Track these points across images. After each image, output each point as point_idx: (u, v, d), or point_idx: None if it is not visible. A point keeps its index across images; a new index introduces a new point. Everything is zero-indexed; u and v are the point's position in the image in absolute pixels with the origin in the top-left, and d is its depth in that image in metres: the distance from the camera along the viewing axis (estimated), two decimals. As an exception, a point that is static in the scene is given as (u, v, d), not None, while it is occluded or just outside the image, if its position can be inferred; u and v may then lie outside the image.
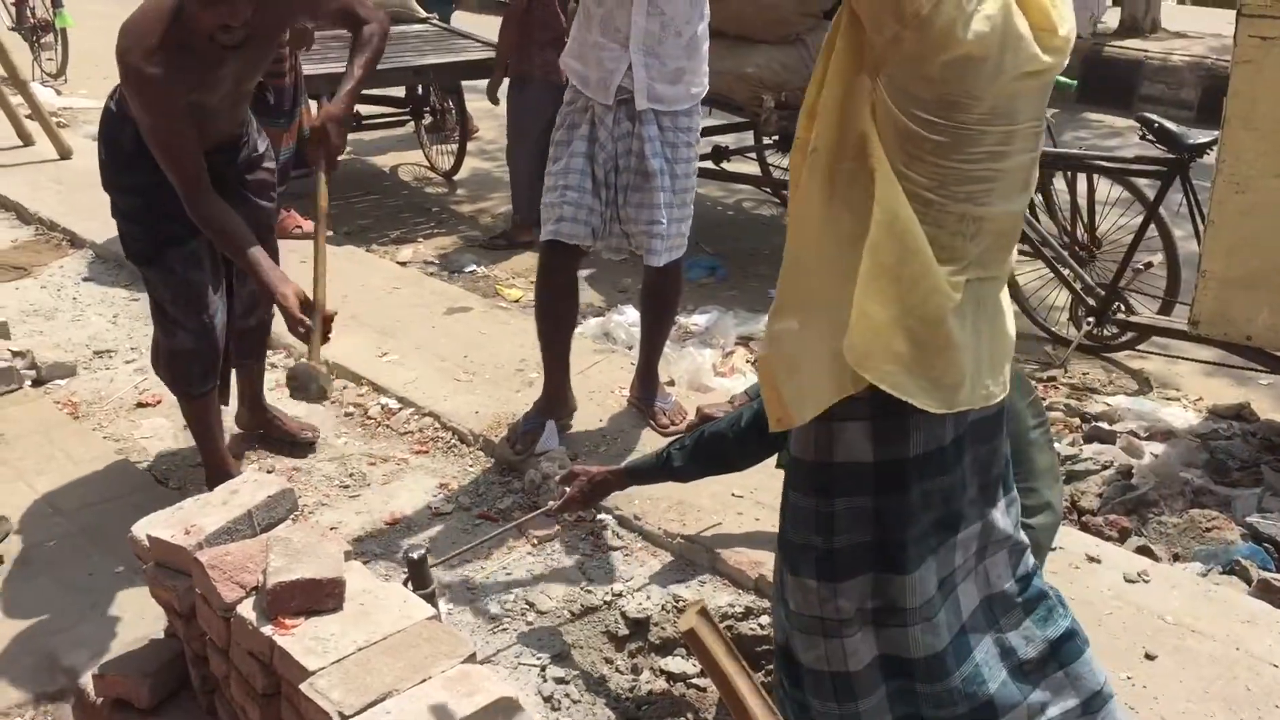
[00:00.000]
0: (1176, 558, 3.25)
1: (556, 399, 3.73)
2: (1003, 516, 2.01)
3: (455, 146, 6.99)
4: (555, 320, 3.66)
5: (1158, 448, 3.87)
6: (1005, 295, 1.94)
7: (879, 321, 1.73)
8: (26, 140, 7.19)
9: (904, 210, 1.70)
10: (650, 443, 3.64)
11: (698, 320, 4.84)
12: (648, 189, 3.44)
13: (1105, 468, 3.72)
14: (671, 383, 4.10)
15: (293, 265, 3.56)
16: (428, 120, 7.28)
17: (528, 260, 5.61)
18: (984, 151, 1.71)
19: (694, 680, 2.76)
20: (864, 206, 1.73)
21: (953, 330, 1.77)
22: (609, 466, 2.99)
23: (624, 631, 2.90)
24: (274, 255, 3.42)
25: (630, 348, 4.53)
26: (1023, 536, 2.07)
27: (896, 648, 1.95)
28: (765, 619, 2.89)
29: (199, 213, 2.98)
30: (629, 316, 4.77)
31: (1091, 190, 4.78)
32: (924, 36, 1.60)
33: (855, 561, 1.88)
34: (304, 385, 2.99)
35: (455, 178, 7.08)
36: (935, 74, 1.64)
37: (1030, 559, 2.09)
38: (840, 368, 1.78)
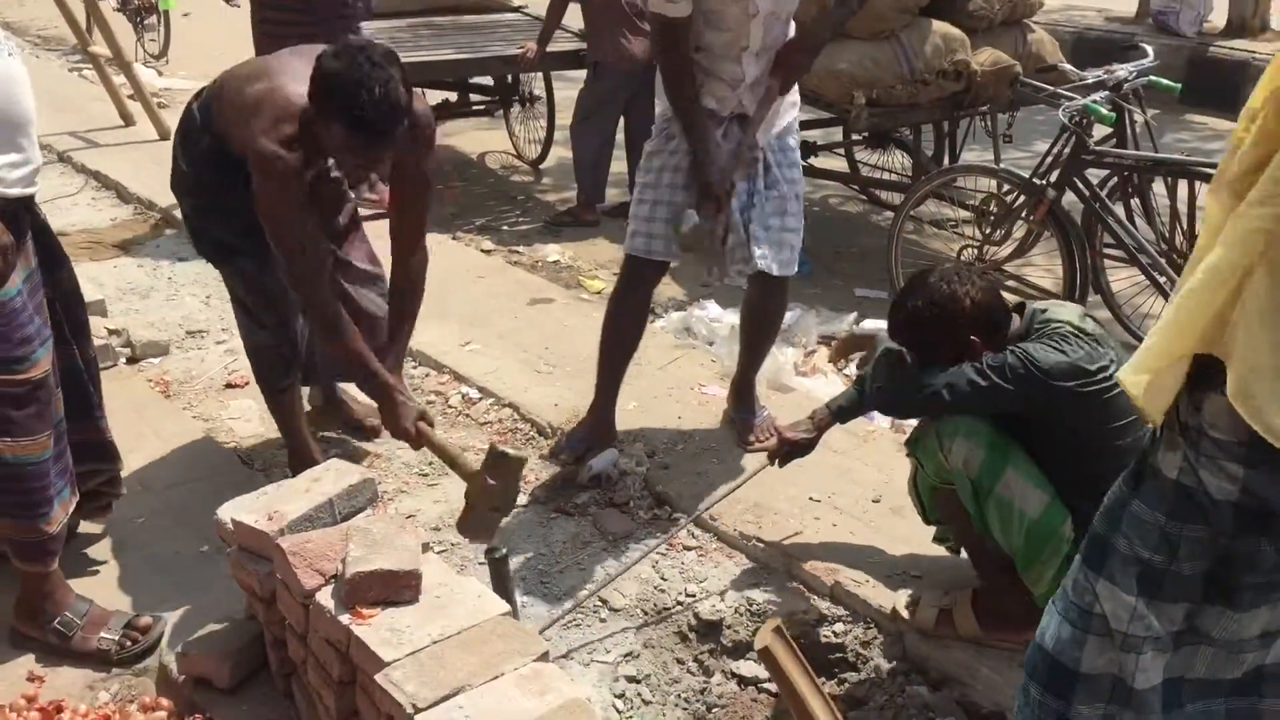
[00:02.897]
0: None
1: (601, 425, 3.56)
2: None
3: (543, 135, 7.03)
4: (618, 339, 3.50)
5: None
6: None
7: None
8: (128, 120, 7.38)
9: None
10: (727, 436, 3.63)
11: (779, 318, 4.78)
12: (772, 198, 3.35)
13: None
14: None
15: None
16: (516, 109, 7.32)
17: (610, 251, 5.61)
18: None
19: (765, 685, 2.74)
20: None
21: None
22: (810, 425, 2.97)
23: (697, 633, 2.89)
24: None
25: (711, 343, 4.51)
26: None
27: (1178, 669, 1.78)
28: (839, 626, 2.86)
29: (297, 273, 2.95)
30: (710, 312, 4.74)
31: (1193, 196, 4.63)
32: None
33: (1186, 588, 1.71)
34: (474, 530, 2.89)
35: (541, 166, 7.12)
36: None
37: None
38: None
